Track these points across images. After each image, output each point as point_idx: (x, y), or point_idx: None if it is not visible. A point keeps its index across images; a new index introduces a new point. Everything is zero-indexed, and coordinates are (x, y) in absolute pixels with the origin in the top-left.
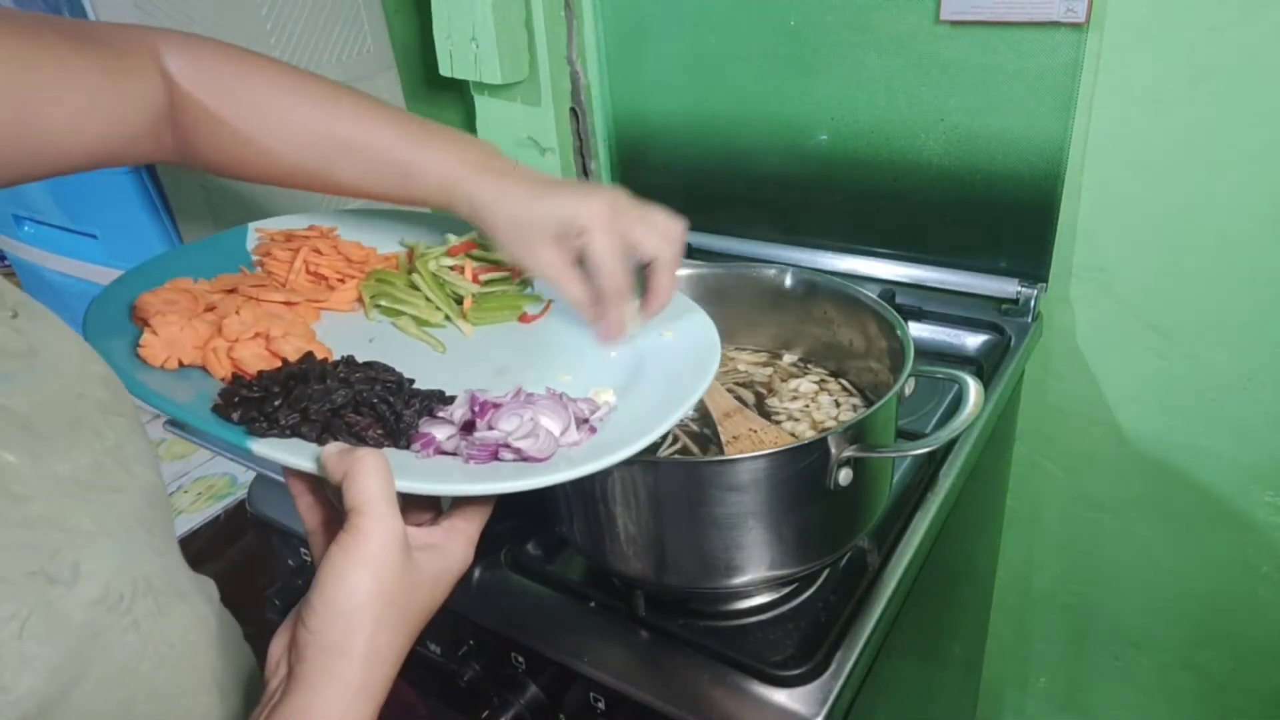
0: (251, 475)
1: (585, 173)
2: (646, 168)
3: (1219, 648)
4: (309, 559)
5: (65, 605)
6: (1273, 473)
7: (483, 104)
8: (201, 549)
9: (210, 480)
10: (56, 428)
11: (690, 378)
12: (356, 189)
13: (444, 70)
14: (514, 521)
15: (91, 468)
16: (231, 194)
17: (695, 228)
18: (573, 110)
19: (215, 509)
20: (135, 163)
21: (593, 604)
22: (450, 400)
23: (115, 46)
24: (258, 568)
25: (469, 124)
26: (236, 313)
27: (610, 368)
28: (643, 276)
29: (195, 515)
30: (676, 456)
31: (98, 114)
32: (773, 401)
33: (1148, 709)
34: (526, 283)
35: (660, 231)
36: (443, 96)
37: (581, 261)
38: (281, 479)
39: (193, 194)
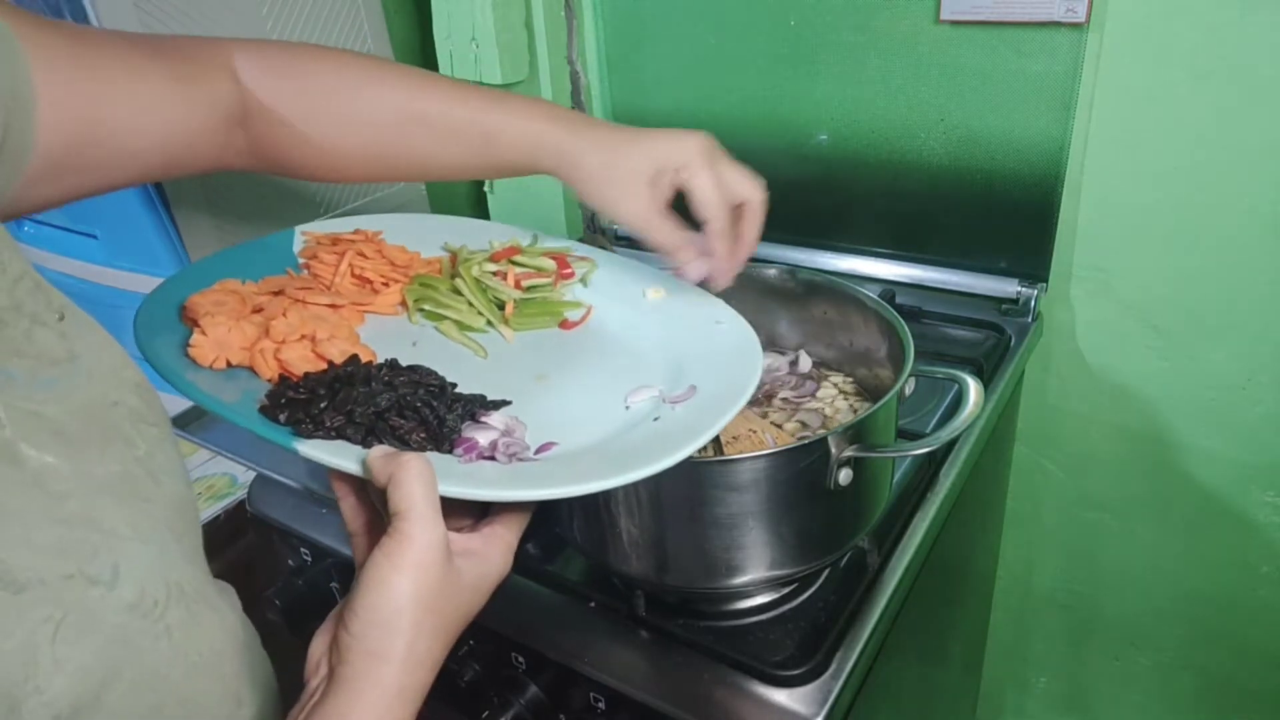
0: (251, 475)
1: None
2: None
3: (1219, 648)
4: (309, 559)
5: (101, 608)
6: (1273, 473)
7: None
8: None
9: (210, 480)
10: (89, 435)
11: (732, 382)
12: (438, 162)
13: (444, 70)
14: None
15: (121, 476)
16: (232, 194)
17: (695, 228)
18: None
19: (215, 509)
20: (205, 169)
21: (593, 604)
22: (492, 405)
23: (187, 55)
24: (258, 568)
25: None
26: (283, 315)
27: (650, 373)
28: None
29: None
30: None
31: (165, 119)
32: (783, 403)
33: (1148, 709)
34: (567, 289)
35: (751, 178)
36: None
37: (678, 201)
38: (283, 479)
39: (193, 194)
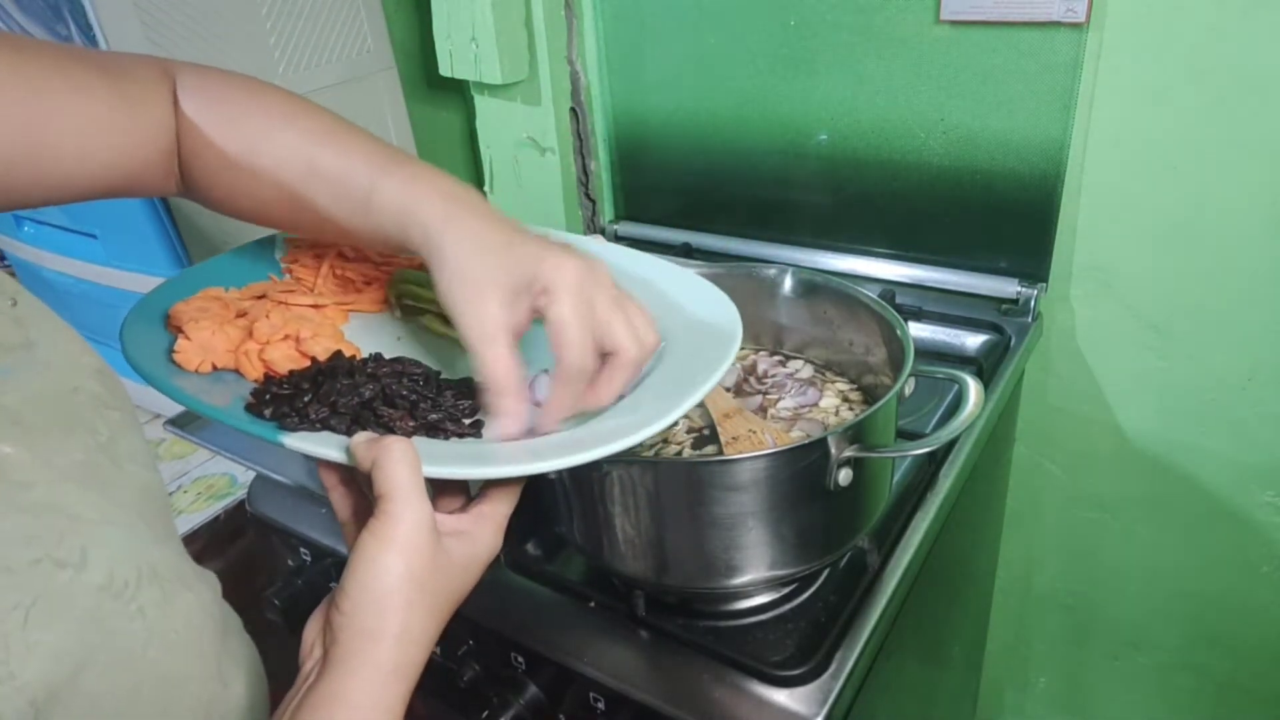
0: (251, 475)
1: (585, 173)
2: (646, 168)
3: (1219, 648)
4: (309, 559)
5: (71, 591)
6: (1273, 473)
7: (483, 104)
8: (201, 549)
9: (210, 480)
10: (49, 423)
11: (707, 362)
12: (328, 220)
13: (444, 70)
14: (514, 521)
15: (84, 464)
16: None
17: (695, 228)
18: (573, 110)
19: (215, 509)
20: (147, 195)
21: (593, 604)
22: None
23: (133, 74)
24: (257, 568)
25: (469, 124)
26: (266, 316)
27: None
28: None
29: (195, 515)
30: (676, 456)
31: (108, 139)
32: (783, 411)
33: (1148, 709)
34: None
35: (634, 327)
36: (443, 96)
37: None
38: (283, 479)
39: None
